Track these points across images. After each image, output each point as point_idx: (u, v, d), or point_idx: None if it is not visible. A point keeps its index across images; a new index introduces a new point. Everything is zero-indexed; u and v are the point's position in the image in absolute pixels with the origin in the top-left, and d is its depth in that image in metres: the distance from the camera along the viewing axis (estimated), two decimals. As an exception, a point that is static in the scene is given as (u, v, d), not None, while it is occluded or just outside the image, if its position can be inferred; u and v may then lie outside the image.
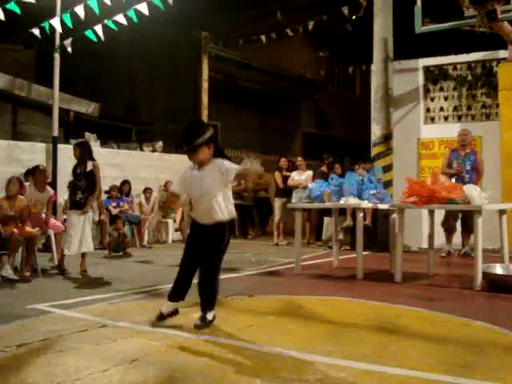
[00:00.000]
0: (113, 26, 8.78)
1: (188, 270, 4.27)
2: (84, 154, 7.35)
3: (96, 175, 7.32)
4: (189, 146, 4.06)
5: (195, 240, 4.29)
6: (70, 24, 8.81)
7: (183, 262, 4.32)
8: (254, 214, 14.28)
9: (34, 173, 8.09)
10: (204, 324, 4.12)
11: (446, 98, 11.22)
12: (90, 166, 7.30)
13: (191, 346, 3.73)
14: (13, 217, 7.09)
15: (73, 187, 7.44)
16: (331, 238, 11.21)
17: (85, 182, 7.28)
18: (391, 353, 3.59)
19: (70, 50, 9.87)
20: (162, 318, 4.28)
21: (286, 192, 11.73)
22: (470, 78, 11.04)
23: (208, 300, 4.20)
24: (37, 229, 7.51)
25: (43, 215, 7.84)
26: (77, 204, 7.28)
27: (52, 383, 3.00)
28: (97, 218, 10.48)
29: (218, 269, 4.24)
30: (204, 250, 4.19)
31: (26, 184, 7.93)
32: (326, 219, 11.29)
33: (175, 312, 4.32)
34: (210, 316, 4.16)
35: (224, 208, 4.14)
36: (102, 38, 8.93)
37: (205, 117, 14.64)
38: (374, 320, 4.57)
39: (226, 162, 4.12)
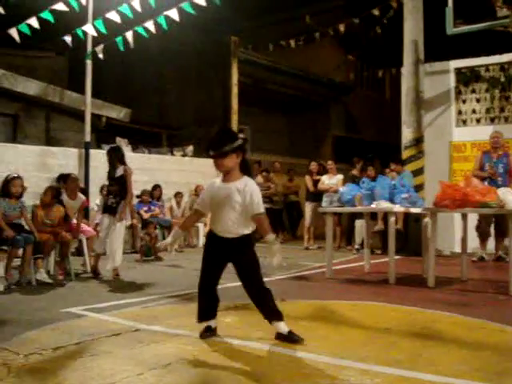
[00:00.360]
0: (143, 33, 8.86)
1: (211, 287, 4.07)
2: (114, 158, 7.45)
3: (127, 180, 7.40)
4: (217, 151, 3.89)
5: (217, 254, 4.04)
6: (103, 29, 8.92)
7: (205, 279, 4.08)
8: (284, 218, 14.27)
9: (66, 181, 8.22)
10: (291, 337, 3.90)
11: (478, 100, 11.06)
12: (120, 170, 7.39)
13: (224, 351, 3.74)
14: (48, 228, 7.28)
15: (107, 192, 7.58)
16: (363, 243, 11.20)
17: (116, 187, 7.38)
18: (425, 359, 3.55)
19: (101, 56, 9.99)
20: (208, 330, 4.06)
21: (317, 196, 11.69)
22: (502, 79, 10.87)
23: (272, 311, 3.98)
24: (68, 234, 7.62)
25: (74, 221, 7.95)
26: (109, 208, 7.41)
27: (88, 387, 3.04)
28: (129, 223, 10.59)
29: (261, 280, 4.00)
30: (236, 265, 4.01)
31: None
32: (359, 222, 11.22)
33: (216, 329, 4.11)
34: (284, 327, 3.94)
35: (246, 222, 3.96)
36: (132, 45, 9.02)
37: (235, 121, 14.70)
38: (408, 325, 4.53)
39: (256, 193, 3.92)
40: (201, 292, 4.07)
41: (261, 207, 3.91)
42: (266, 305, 3.98)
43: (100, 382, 3.10)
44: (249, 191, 3.90)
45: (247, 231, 3.99)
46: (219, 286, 4.10)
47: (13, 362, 3.50)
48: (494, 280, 7.08)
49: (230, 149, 3.87)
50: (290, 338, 3.87)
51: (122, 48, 9.24)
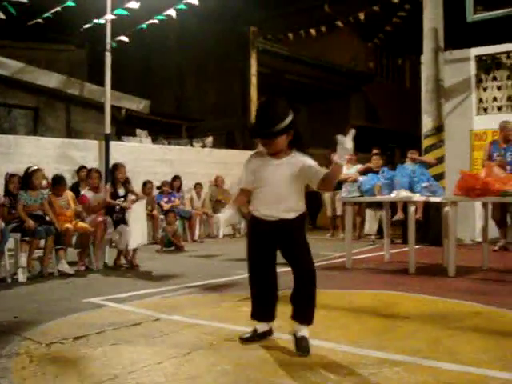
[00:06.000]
0: (162, 18, 8.90)
1: (267, 282, 3.65)
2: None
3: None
4: (267, 133, 3.35)
5: (265, 241, 3.58)
6: (125, 13, 8.95)
7: (257, 272, 3.64)
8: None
9: (88, 176, 8.26)
10: (307, 346, 3.46)
11: (499, 88, 10.91)
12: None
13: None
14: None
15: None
16: (373, 232, 11.17)
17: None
18: (445, 348, 3.53)
19: (126, 39, 9.99)
20: (254, 335, 3.69)
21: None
22: (524, 66, 10.72)
23: (310, 311, 3.55)
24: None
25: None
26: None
27: (109, 375, 3.07)
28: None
29: (313, 263, 3.60)
30: (286, 250, 3.57)
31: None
32: (369, 211, 11.19)
33: (269, 332, 3.74)
34: (307, 333, 3.52)
35: (298, 202, 3.55)
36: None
37: (253, 112, 14.68)
38: (427, 314, 4.51)
39: (314, 163, 3.46)
40: (251, 287, 3.69)
41: (322, 174, 3.39)
42: (311, 299, 3.54)
43: (120, 371, 3.13)
44: (304, 161, 3.45)
45: (301, 211, 3.57)
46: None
47: (35, 351, 3.55)
48: (515, 269, 7.02)
49: (284, 126, 3.33)
50: (300, 344, 3.45)
51: (144, 29, 9.22)
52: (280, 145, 3.41)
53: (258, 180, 3.53)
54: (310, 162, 3.47)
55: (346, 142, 3.24)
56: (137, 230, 7.50)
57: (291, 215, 3.52)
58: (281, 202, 3.49)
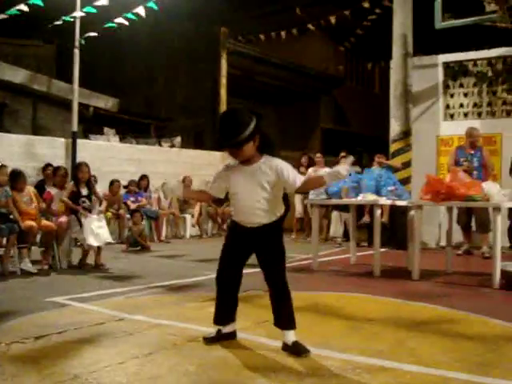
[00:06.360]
0: (133, 17, 8.85)
1: (233, 284, 3.67)
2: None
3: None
4: (233, 143, 3.36)
5: (238, 247, 3.64)
6: (94, 10, 8.87)
7: (224, 274, 3.66)
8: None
9: (55, 173, 8.15)
10: (302, 349, 3.44)
11: (465, 95, 11.08)
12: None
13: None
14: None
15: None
16: (339, 235, 11.26)
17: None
18: (407, 349, 3.57)
19: (89, 43, 9.93)
20: (218, 336, 3.67)
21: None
22: (490, 74, 10.89)
23: (289, 317, 3.55)
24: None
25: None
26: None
27: (69, 375, 3.03)
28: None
29: (286, 277, 3.58)
30: (261, 258, 3.60)
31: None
32: (335, 214, 11.27)
33: (233, 334, 3.73)
34: (292, 338, 3.50)
35: (274, 208, 3.57)
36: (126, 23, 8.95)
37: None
38: (391, 317, 4.55)
39: (287, 167, 3.45)
40: (219, 290, 3.68)
41: (297, 180, 3.43)
42: (285, 306, 3.54)
43: (81, 371, 3.09)
44: (277, 166, 3.44)
45: (277, 217, 3.60)
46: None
47: (-6, 350, 3.49)
48: (478, 273, 7.12)
49: (248, 134, 3.35)
50: (296, 349, 3.44)
51: (113, 28, 9.19)
52: (248, 152, 3.42)
53: (233, 187, 3.55)
54: (281, 165, 3.46)
55: (342, 169, 3.36)
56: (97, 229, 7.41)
57: (267, 221, 3.55)
58: (256, 208, 3.50)
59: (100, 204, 7.93)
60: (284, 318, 3.55)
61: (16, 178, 7.23)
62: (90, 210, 7.54)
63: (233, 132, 3.35)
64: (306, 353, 3.41)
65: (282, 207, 3.66)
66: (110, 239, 7.73)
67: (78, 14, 9.36)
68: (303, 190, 3.49)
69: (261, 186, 3.46)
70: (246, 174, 3.49)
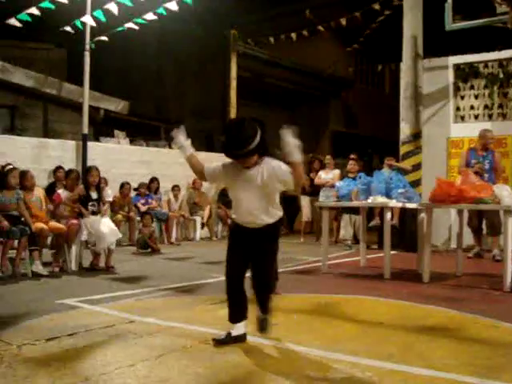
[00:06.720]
0: (143, 22, 8.88)
1: (240, 282, 3.73)
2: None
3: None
4: (240, 154, 3.49)
5: (241, 246, 3.75)
6: (103, 18, 8.94)
7: (230, 273, 3.76)
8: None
9: (67, 176, 8.19)
10: (267, 326, 3.77)
11: (476, 97, 11.04)
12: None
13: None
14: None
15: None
16: (349, 237, 11.22)
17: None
18: (417, 353, 3.56)
19: (99, 46, 9.99)
20: (228, 338, 3.71)
21: (313, 191, 11.71)
22: (501, 75, 10.83)
23: (268, 305, 3.79)
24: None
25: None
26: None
27: (80, 377, 3.05)
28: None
29: (273, 275, 3.84)
30: (254, 255, 3.71)
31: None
32: (345, 216, 11.24)
33: (243, 337, 3.77)
34: (268, 317, 3.79)
35: (272, 210, 3.70)
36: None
37: (233, 115, 14.69)
38: (401, 320, 4.55)
39: (286, 168, 3.53)
40: (229, 290, 3.76)
41: (288, 174, 3.52)
42: (268, 299, 3.77)
43: (92, 373, 3.11)
44: (275, 167, 3.56)
45: (275, 217, 3.74)
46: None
47: (5, 352, 3.52)
48: (488, 276, 7.08)
49: (254, 146, 3.47)
50: (261, 325, 3.76)
51: (123, 31, 9.24)
52: (252, 160, 3.57)
53: (234, 189, 3.72)
54: (280, 166, 3.57)
55: (287, 136, 3.52)
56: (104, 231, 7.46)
57: (264, 222, 3.68)
58: (254, 209, 3.64)
59: (104, 204, 7.94)
60: (265, 306, 3.77)
61: (23, 177, 7.32)
62: (96, 214, 7.58)
63: (240, 144, 3.47)
64: (265, 331, 3.74)
65: (280, 209, 3.80)
66: (119, 234, 7.79)
67: (88, 18, 9.40)
68: (298, 185, 3.61)
69: (261, 189, 3.59)
70: (246, 176, 3.61)
